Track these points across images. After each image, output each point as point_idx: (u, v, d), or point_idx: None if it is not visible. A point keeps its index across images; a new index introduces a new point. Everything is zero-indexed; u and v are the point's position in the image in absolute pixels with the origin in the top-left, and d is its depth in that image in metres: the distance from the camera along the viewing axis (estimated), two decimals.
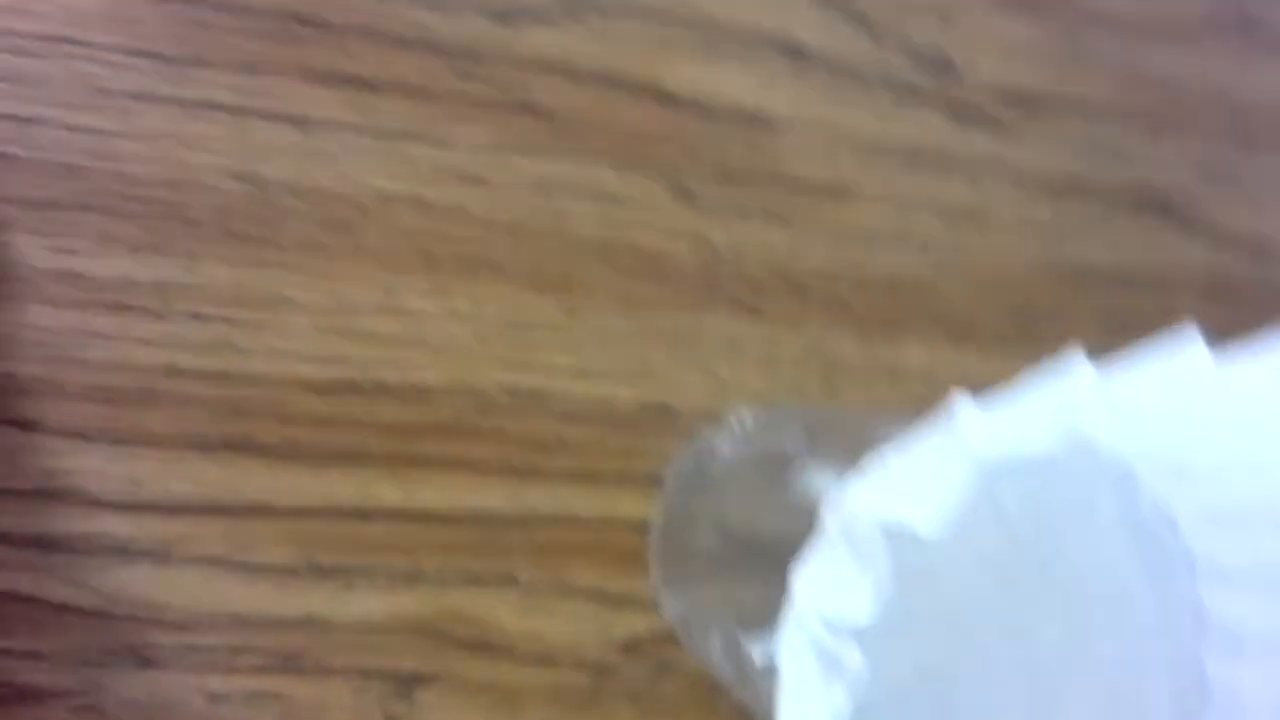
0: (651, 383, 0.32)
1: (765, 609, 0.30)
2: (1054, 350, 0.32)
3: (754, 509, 0.31)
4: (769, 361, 0.32)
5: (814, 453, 0.30)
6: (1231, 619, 0.23)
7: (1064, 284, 0.32)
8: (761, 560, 0.30)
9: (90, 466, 0.29)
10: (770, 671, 0.26)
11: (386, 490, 0.31)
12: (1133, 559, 0.24)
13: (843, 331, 0.32)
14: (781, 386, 0.32)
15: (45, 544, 0.29)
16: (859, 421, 0.32)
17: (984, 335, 0.32)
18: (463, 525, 0.31)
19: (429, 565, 0.31)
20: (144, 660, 0.30)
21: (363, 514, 0.31)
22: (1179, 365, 0.18)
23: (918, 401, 0.33)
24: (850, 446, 0.30)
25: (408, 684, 0.31)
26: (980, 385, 0.33)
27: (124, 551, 0.29)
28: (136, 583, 0.29)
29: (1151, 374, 0.19)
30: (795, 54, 0.31)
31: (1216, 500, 0.22)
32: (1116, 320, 0.33)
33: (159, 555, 0.30)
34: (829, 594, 0.21)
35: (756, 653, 0.29)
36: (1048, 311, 0.33)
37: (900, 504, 0.19)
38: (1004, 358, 0.32)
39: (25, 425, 0.29)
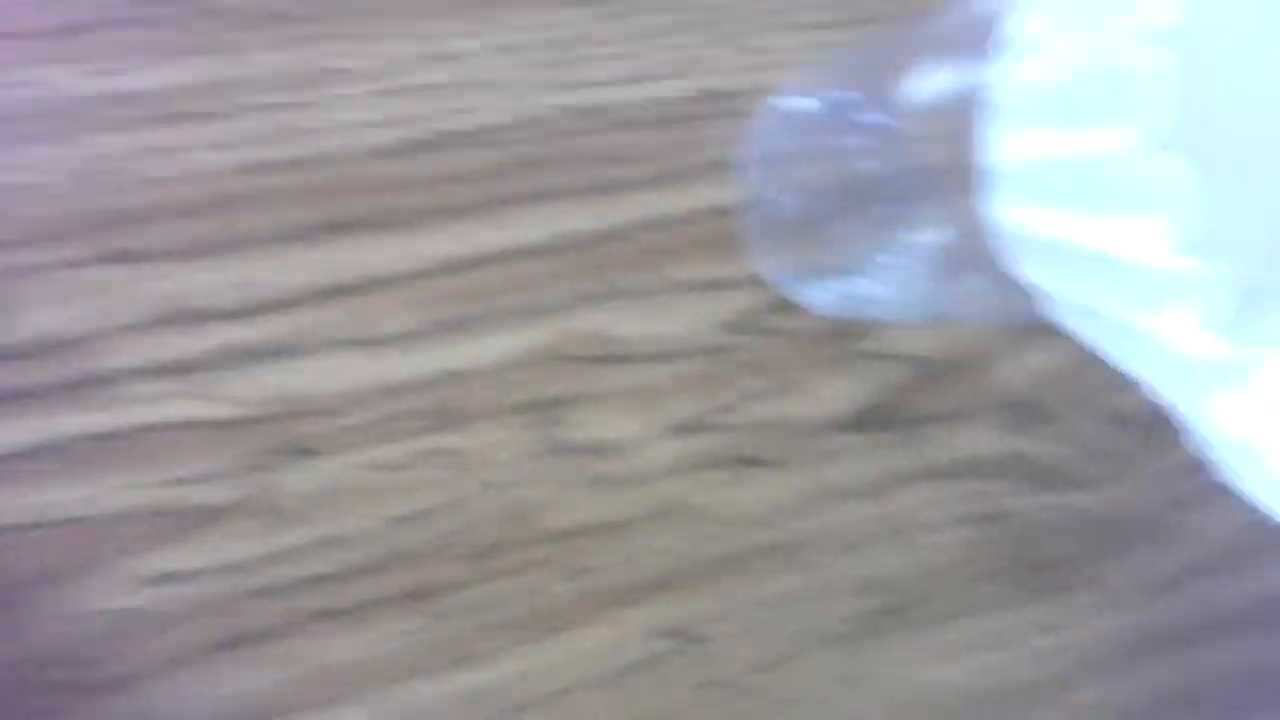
0: (696, 72, 0.32)
1: (869, 247, 0.32)
2: None
3: (832, 159, 0.32)
4: (800, 27, 0.33)
5: (877, 84, 0.31)
6: None
7: None
8: (852, 204, 0.32)
9: (200, 282, 0.29)
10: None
11: (485, 234, 0.31)
12: None
13: None
14: (814, 45, 0.33)
15: (180, 367, 0.29)
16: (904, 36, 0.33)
17: None
18: (564, 251, 0.32)
19: (543, 296, 0.32)
20: (306, 451, 0.30)
21: (469, 263, 0.31)
22: None
23: None
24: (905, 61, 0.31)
25: (555, 408, 0.32)
26: None
27: (254, 354, 0.30)
28: (274, 382, 0.30)
29: None
30: None
31: None
32: None
33: (288, 350, 0.30)
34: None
35: (871, 284, 0.31)
36: None
37: None
38: None
39: (126, 257, 0.29)
